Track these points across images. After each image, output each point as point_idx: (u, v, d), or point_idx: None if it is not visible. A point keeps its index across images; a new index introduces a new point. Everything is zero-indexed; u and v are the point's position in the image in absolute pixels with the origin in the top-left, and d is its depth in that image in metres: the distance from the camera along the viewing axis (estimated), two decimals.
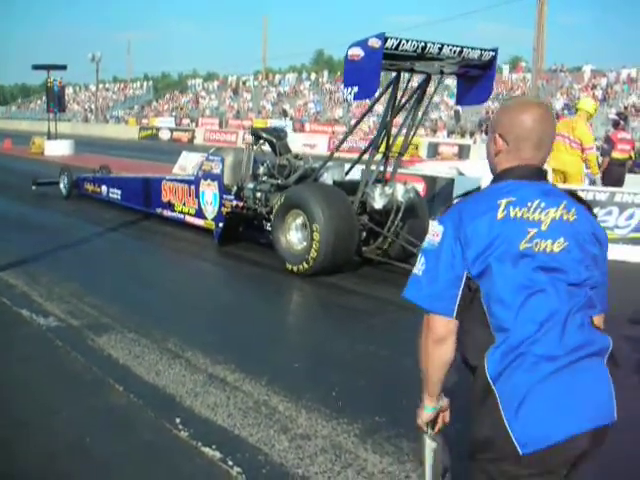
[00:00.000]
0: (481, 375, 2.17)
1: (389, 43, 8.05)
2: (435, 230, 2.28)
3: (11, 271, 8.67)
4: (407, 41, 8.19)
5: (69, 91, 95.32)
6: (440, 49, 8.44)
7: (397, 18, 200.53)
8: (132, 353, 5.88)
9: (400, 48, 8.20)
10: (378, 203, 9.09)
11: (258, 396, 5.05)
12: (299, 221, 9.15)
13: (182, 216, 12.06)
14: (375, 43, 8.09)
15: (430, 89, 10.15)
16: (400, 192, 9.23)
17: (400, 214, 9.27)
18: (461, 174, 13.97)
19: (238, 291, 8.90)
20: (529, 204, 2.23)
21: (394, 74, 9.58)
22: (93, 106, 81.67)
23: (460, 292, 2.21)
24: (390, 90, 9.58)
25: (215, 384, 5.26)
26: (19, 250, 9.99)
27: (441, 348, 2.27)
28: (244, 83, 74.88)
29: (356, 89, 8.40)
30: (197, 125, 57.35)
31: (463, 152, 31.66)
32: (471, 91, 9.40)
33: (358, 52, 8.29)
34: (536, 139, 2.32)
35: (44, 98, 42.19)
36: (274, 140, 10.82)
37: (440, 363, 2.30)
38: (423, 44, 8.31)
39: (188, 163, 20.55)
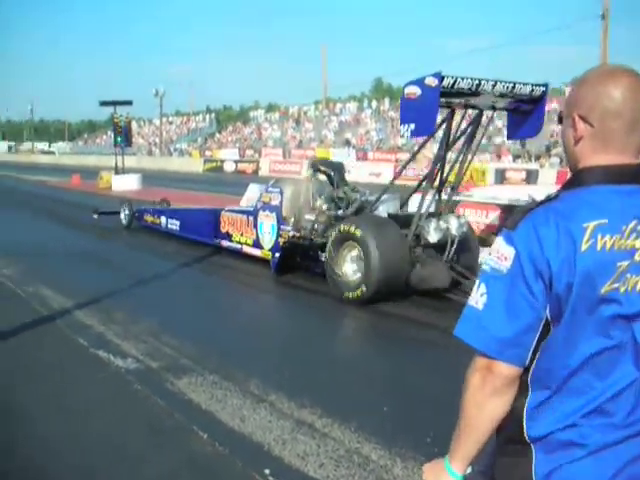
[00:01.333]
0: (517, 422, 1.80)
1: (446, 82, 8.25)
2: (502, 251, 1.76)
3: (86, 310, 8.59)
4: (462, 79, 8.37)
5: (134, 125, 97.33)
6: (494, 86, 8.59)
7: (455, 42, 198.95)
8: (214, 397, 5.67)
9: (456, 86, 8.41)
10: (433, 237, 9.19)
11: (349, 443, 4.79)
12: (354, 253, 9.28)
13: (240, 246, 12.38)
14: (432, 82, 8.28)
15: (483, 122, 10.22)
16: (455, 226, 9.36)
17: (454, 247, 9.35)
18: (534, 201, 13.55)
19: (313, 327, 8.62)
20: (624, 227, 1.72)
21: (448, 110, 9.60)
22: (157, 139, 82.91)
23: (537, 336, 1.74)
24: (444, 126, 9.66)
25: (303, 430, 5.00)
26: (91, 287, 9.96)
27: (500, 399, 1.80)
28: (305, 113, 75.41)
29: (413, 126, 8.54)
30: (261, 156, 57.65)
31: (531, 177, 31.13)
32: (522, 125, 9.38)
33: (415, 90, 8.50)
34: (629, 116, 1.76)
35: (110, 133, 42.92)
36: (332, 173, 11.22)
37: (493, 417, 1.82)
38: (477, 82, 8.48)
39: (256, 195, 20.44)
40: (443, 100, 8.85)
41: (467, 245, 9.76)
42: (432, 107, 8.47)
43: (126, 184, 29.81)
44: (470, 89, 8.58)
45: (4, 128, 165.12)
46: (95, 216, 17.43)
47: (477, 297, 1.80)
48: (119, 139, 29.88)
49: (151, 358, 6.67)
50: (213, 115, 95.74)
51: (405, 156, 44.16)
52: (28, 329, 7.80)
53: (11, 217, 20.76)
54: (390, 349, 7.67)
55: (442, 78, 8.19)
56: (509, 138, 10.45)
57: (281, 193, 11.39)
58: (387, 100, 70.48)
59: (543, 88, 8.99)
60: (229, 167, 53.15)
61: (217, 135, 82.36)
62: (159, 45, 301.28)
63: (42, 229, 17.70)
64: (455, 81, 8.34)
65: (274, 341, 7.84)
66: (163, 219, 15.31)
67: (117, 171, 30.98)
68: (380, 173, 38.42)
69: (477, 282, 1.83)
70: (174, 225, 14.81)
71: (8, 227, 17.86)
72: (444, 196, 9.96)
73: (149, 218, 16.01)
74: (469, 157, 9.91)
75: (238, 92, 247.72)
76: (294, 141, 66.31)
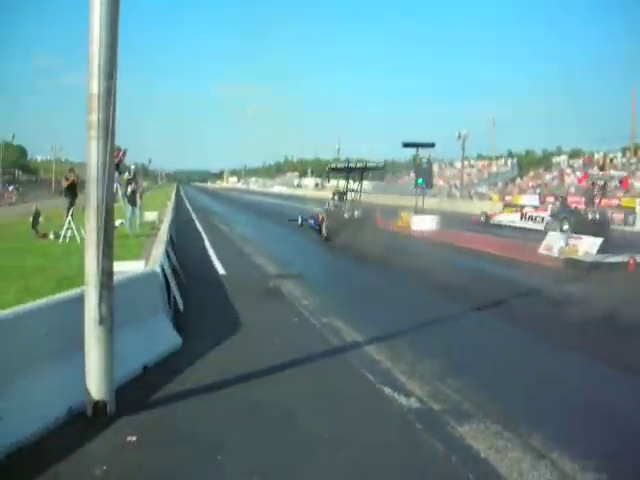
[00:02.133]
0: None
1: (333, 165, 29.87)
2: None
3: (375, 345, 8.84)
4: (341, 161, 32.51)
5: (435, 167, 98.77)
6: (357, 162, 26.15)
7: None
8: (494, 447, 5.56)
9: (338, 165, 28.56)
10: (346, 215, 23.89)
11: None
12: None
13: (318, 226, 26.92)
14: (329, 164, 33.42)
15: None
16: (354, 212, 24.06)
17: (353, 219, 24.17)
18: None
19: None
20: None
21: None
22: (458, 182, 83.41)
23: None
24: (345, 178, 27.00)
25: None
26: (379, 321, 10.43)
27: None
28: (611, 160, 72.07)
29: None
30: None
31: None
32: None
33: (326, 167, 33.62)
34: None
35: (411, 174, 43.77)
36: (341, 196, 26.17)
37: None
38: (348, 162, 27.24)
39: (555, 242, 19.94)
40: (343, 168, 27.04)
41: (361, 220, 23.45)
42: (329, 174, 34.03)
43: (424, 225, 30.23)
44: (345, 165, 26.81)
45: (313, 165, 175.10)
46: (288, 220, 33.11)
47: None
48: (420, 180, 30.53)
49: (434, 400, 6.70)
50: (515, 160, 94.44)
51: None
52: (321, 358, 8.22)
53: (309, 249, 22.04)
54: None
55: (331, 163, 32.26)
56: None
57: (327, 206, 26.79)
58: None
59: (382, 163, 31.91)
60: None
61: (518, 180, 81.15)
62: (463, 86, 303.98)
63: (336, 264, 19.04)
64: (336, 164, 30.03)
65: (564, 395, 7.27)
66: (311, 220, 29.12)
67: (416, 211, 31.57)
68: None
69: None
70: (312, 221, 28.68)
71: (307, 261, 19.03)
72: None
73: (310, 221, 29.43)
74: (360, 189, 25.42)
75: (541, 136, 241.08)
76: None
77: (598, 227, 23.53)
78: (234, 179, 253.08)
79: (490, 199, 67.89)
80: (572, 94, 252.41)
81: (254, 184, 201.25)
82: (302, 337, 9.34)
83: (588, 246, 19.22)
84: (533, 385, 7.59)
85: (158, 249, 11.86)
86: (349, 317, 10.52)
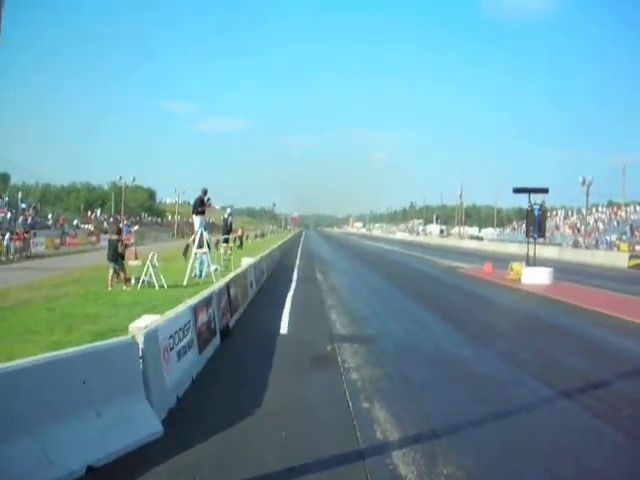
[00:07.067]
0: None
1: None
2: None
3: (410, 449, 6.65)
4: None
5: (561, 214, 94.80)
6: None
7: None
8: None
9: None
10: None
11: None
12: None
13: None
14: None
15: None
16: None
17: None
18: None
19: None
20: None
21: None
22: (584, 230, 79.40)
23: None
24: None
25: None
26: (439, 411, 8.16)
27: None
28: None
29: None
30: None
31: None
32: None
33: None
34: None
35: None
36: None
37: None
38: None
39: None
40: None
41: None
42: None
43: (536, 277, 27.53)
44: None
45: (438, 211, 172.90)
46: None
47: None
48: (531, 228, 28.07)
49: None
50: None
51: None
52: (328, 466, 6.16)
53: (399, 305, 19.80)
54: None
55: None
56: None
57: None
58: None
59: None
60: None
61: None
62: (588, 133, 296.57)
63: (419, 320, 16.24)
64: None
65: None
66: None
67: (528, 262, 28.96)
68: None
69: None
70: None
71: (388, 314, 16.88)
72: None
73: None
74: None
75: None
76: None
77: None
78: (359, 224, 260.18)
79: (618, 249, 63.73)
80: None
81: (377, 230, 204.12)
82: (322, 427, 7.32)
83: None
84: None
85: (172, 310, 9.53)
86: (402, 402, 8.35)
